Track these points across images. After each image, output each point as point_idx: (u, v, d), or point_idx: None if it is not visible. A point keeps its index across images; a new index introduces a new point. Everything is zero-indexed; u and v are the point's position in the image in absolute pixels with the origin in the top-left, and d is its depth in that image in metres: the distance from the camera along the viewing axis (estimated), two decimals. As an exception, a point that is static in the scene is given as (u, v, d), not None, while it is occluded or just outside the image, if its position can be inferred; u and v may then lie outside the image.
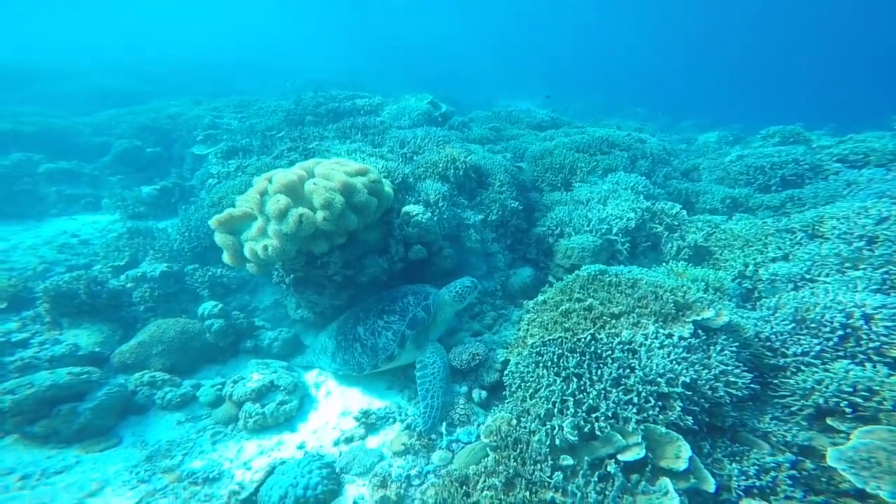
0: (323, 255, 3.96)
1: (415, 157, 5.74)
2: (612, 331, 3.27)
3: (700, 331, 3.26)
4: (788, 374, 3.23)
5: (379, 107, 8.58)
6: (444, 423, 3.47)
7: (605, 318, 3.41)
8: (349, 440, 3.42)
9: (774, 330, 3.51)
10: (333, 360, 4.07)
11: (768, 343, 3.46)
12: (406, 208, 4.60)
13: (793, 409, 3.03)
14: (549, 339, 3.36)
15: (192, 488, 3.00)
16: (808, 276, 4.38)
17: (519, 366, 3.39)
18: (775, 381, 3.23)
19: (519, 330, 3.92)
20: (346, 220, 3.74)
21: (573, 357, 3.16)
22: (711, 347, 3.19)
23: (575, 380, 3.05)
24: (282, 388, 3.79)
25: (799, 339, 3.37)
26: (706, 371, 2.97)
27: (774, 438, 2.87)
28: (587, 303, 3.56)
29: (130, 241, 6.29)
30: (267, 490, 2.81)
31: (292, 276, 4.37)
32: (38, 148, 9.96)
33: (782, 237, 5.18)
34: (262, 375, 3.85)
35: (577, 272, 4.18)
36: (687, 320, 3.32)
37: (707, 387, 2.90)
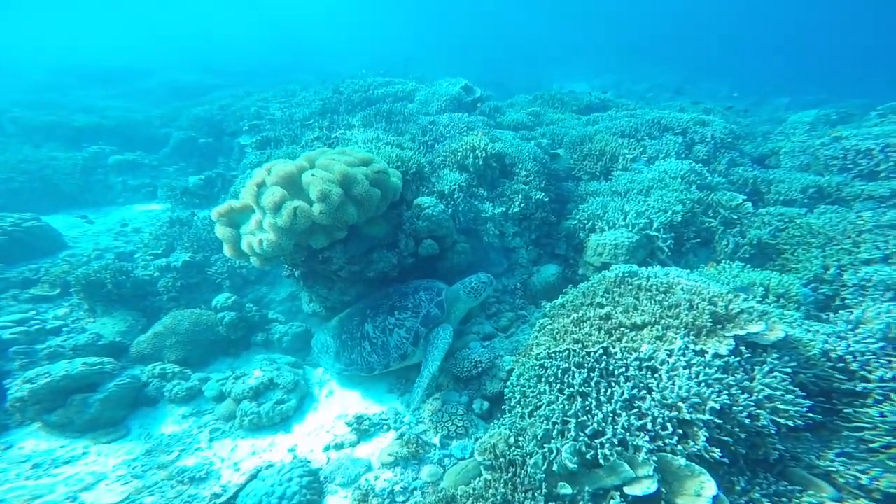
0: (323, 250, 3.91)
1: (436, 146, 5.54)
2: (630, 345, 2.90)
3: (744, 347, 2.80)
4: (870, 402, 2.69)
5: (412, 93, 8.44)
6: (440, 435, 3.30)
7: (623, 329, 3.04)
8: (339, 447, 3.37)
9: (853, 349, 2.96)
10: (337, 359, 4.03)
11: (841, 364, 2.92)
12: (418, 200, 4.43)
13: (873, 445, 2.50)
14: (555, 351, 3.06)
15: (178, 487, 3.09)
16: (917, 283, 3.65)
17: (521, 378, 3.13)
18: (848, 411, 2.71)
19: (531, 336, 3.63)
20: (345, 213, 3.64)
21: (580, 373, 2.84)
22: (756, 367, 2.73)
23: (579, 399, 2.74)
24: (281, 386, 3.82)
25: (890, 362, 2.79)
26: (745, 396, 2.53)
27: (842, 479, 2.39)
28: (604, 311, 3.20)
29: (170, 230, 6.67)
30: (244, 496, 2.83)
31: (300, 270, 4.39)
32: (117, 139, 10.99)
33: (884, 234, 4.38)
34: (263, 373, 3.91)
35: (603, 273, 3.80)
36: (727, 335, 2.86)
37: (745, 414, 2.47)
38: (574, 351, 2.97)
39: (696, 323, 2.90)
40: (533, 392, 2.97)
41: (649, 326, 3.02)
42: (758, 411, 2.46)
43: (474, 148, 4.99)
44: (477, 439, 3.19)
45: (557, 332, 3.24)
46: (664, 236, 4.69)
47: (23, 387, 3.55)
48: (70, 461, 3.36)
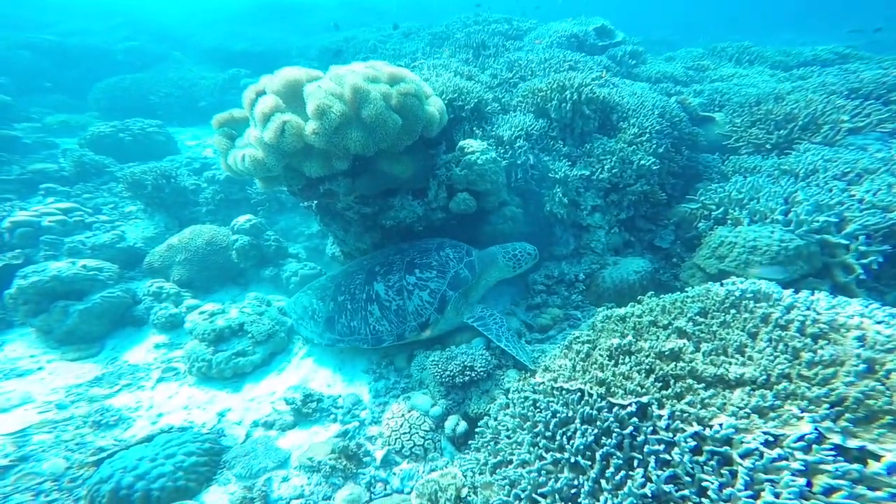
0: (323, 181, 3.36)
1: (520, 84, 4.49)
2: (695, 410, 1.72)
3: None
4: None
5: (528, 31, 7.29)
6: (387, 449, 2.54)
7: (692, 381, 1.84)
8: (269, 426, 2.85)
9: None
10: (329, 327, 3.45)
11: None
12: (462, 142, 3.58)
13: None
14: (561, 387, 2.02)
15: (80, 430, 2.87)
16: None
17: (503, 412, 2.18)
18: None
19: (549, 354, 2.59)
20: (345, 139, 3.01)
21: (584, 432, 1.78)
22: None
23: (567, 471, 1.70)
24: (250, 335, 3.43)
25: None
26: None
27: None
28: (674, 346, 2.01)
29: (251, 148, 6.99)
30: (108, 462, 2.43)
31: (315, 202, 3.96)
32: (258, 65, 11.99)
33: None
34: (240, 314, 3.58)
35: (709, 285, 2.51)
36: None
37: None
38: (589, 396, 1.91)
39: (869, 402, 1.66)
40: (508, 438, 2.01)
41: (748, 387, 1.80)
42: None
43: (563, 88, 3.82)
44: (432, 471, 2.36)
45: (581, 360, 2.16)
46: (865, 248, 2.99)
47: (16, 282, 3.54)
48: (22, 375, 3.31)
